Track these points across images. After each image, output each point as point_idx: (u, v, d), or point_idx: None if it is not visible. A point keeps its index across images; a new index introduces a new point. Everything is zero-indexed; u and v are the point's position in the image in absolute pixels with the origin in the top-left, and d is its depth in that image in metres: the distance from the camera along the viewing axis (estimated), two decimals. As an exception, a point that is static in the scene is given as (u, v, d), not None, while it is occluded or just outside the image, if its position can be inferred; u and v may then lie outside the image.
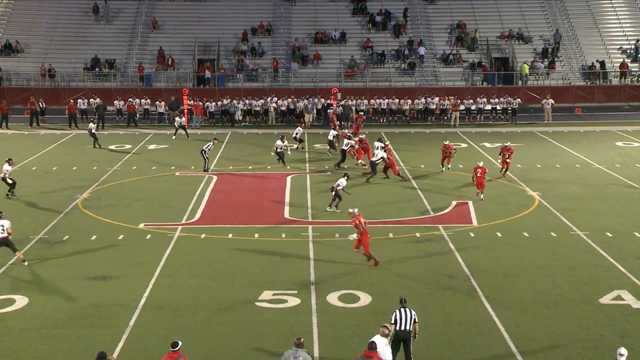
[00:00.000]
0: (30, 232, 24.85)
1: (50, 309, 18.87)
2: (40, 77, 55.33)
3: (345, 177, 28.25)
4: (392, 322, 15.49)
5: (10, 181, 29.36)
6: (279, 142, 35.19)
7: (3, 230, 21.51)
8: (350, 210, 22.47)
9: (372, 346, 14.36)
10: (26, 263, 21.88)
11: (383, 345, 14.49)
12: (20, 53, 58.18)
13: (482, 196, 29.24)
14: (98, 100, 48.16)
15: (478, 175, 29.50)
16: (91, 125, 40.51)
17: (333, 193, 27.84)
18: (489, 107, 49.85)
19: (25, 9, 61.86)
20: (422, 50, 58.32)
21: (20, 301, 19.30)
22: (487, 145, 40.48)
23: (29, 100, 47.62)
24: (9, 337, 17.34)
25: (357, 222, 21.89)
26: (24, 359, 16.36)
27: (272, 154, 35.86)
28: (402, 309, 15.64)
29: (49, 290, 20.13)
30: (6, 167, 29.24)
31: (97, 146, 39.46)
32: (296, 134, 39.27)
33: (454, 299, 19.75)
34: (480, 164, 29.78)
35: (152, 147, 40.48)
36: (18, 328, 17.79)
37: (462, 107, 48.84)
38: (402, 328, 15.45)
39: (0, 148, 39.21)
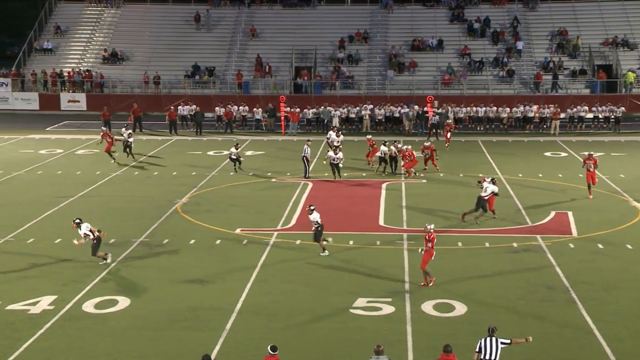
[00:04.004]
0: (132, 236, 25.54)
1: (150, 310, 19.34)
2: (143, 84, 57.01)
3: (493, 182, 27.31)
4: (477, 350, 14.83)
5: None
6: (330, 154, 34.19)
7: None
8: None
9: (448, 349, 14.35)
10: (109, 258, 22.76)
11: None
12: (124, 61, 60.12)
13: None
14: (195, 107, 48.98)
15: (590, 170, 30.13)
16: (232, 150, 36.22)
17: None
18: (590, 115, 48.53)
19: (131, 19, 63.91)
20: (520, 45, 57.47)
21: (123, 302, 19.85)
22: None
23: (132, 107, 49.01)
24: (111, 337, 17.86)
25: None
26: (125, 359, 16.81)
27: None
28: (489, 338, 14.83)
29: (149, 292, 20.64)
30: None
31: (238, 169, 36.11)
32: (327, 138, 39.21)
33: (552, 311, 19.27)
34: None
35: (249, 153, 41.05)
36: (120, 328, 18.30)
37: (562, 115, 47.70)
38: (487, 358, 14.67)
39: (104, 153, 40.40)
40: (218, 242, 25.06)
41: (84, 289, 20.67)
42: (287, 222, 27.56)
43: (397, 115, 48.49)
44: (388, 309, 19.34)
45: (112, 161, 37.77)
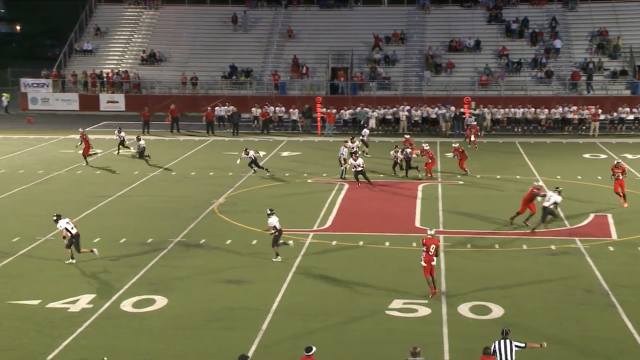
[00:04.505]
0: (170, 235, 25.75)
1: (186, 310, 19.47)
2: (180, 85, 57.45)
3: (558, 192, 26.17)
4: (491, 353, 14.64)
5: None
6: (352, 161, 33.33)
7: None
8: None
9: (487, 351, 14.30)
10: (96, 251, 23.05)
11: None
12: (162, 62, 60.63)
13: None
14: (232, 108, 49.38)
15: (619, 178, 28.98)
16: (243, 155, 35.49)
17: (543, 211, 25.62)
18: (631, 117, 47.87)
19: (169, 20, 64.44)
20: (558, 44, 56.93)
21: (160, 302, 20.01)
22: (629, 156, 38.84)
23: (170, 108, 49.35)
24: (149, 336, 18.02)
25: None
26: (162, 358, 16.94)
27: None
28: (503, 341, 14.72)
29: (186, 292, 20.78)
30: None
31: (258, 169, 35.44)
32: (362, 136, 40.20)
33: (591, 314, 19.07)
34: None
35: (285, 154, 41.17)
36: (157, 327, 18.46)
37: (602, 117, 47.10)
38: None
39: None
40: (254, 242, 25.14)
41: (122, 288, 20.88)
42: (323, 222, 27.58)
43: (433, 116, 48.30)
44: (424, 311, 19.27)
45: (85, 164, 37.60)
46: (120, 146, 40.53)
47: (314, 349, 14.41)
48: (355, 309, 19.43)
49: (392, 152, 35.47)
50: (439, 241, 20.28)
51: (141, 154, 38.92)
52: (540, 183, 26.89)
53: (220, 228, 26.88)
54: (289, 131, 49.02)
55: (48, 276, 22.03)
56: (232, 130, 47.91)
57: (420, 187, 32.79)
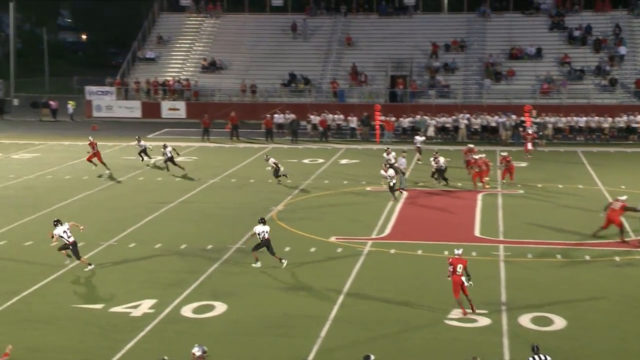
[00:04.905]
0: (229, 242, 25.96)
1: (245, 316, 19.59)
2: (240, 93, 58.01)
3: None
4: None
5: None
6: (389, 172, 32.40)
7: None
8: None
9: None
10: (92, 266, 23.01)
11: None
12: (223, 70, 61.33)
13: None
14: (292, 115, 49.80)
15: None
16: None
17: None
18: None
19: (229, 29, 65.19)
20: (622, 50, 55.86)
21: (220, 308, 20.15)
22: (696, 166, 37.94)
23: (230, 115, 49.81)
24: (207, 341, 18.03)
25: None
26: (221, 363, 17.08)
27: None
28: (537, 356, 14.30)
29: (245, 298, 20.90)
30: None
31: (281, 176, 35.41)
32: (415, 143, 40.64)
33: (657, 328, 18.63)
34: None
35: (344, 161, 41.21)
36: (216, 333, 18.60)
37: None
38: None
39: (203, 160, 41.38)
40: (313, 249, 25.20)
41: (183, 294, 21.11)
42: (382, 231, 27.51)
43: (493, 124, 47.84)
44: (484, 321, 19.05)
45: (94, 167, 37.79)
46: (144, 155, 40.02)
47: (373, 357, 14.32)
48: (414, 318, 19.32)
49: (431, 159, 35.03)
50: (467, 262, 19.61)
51: (170, 160, 37.57)
52: (625, 197, 26.28)
53: (278, 235, 26.87)
54: (347, 139, 49.08)
55: (111, 281, 22.40)
56: (291, 138, 48.17)
57: (479, 197, 32.50)
